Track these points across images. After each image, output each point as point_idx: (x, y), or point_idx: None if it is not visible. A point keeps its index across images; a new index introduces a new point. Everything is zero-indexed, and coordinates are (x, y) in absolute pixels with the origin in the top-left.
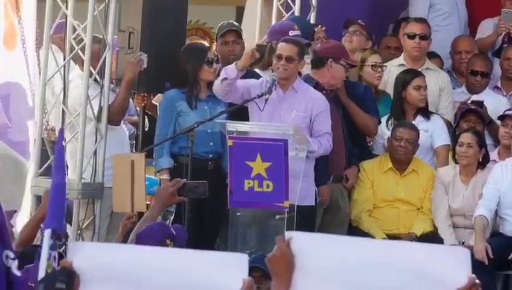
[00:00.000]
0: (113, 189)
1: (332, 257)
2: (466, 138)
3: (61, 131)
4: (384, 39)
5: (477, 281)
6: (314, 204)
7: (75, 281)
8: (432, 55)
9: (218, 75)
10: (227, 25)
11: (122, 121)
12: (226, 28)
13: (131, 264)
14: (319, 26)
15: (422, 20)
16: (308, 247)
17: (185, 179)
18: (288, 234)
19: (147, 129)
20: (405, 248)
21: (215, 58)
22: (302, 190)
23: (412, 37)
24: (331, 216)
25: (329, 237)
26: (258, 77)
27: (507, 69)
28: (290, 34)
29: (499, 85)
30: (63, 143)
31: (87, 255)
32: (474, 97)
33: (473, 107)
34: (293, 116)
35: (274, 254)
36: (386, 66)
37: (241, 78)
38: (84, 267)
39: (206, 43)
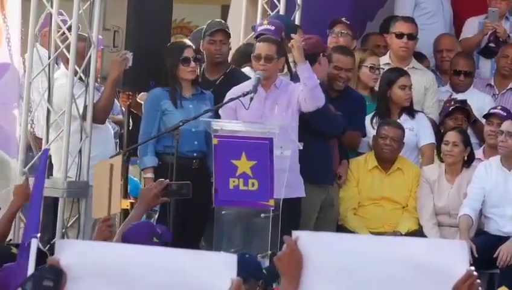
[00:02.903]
0: (94, 197)
1: (337, 254)
2: (451, 136)
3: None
4: (373, 38)
5: (475, 273)
6: (305, 195)
7: (63, 279)
8: (420, 57)
9: (201, 73)
10: (216, 24)
11: (107, 120)
12: (215, 27)
13: (120, 263)
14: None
15: (410, 20)
16: (315, 246)
17: (168, 180)
18: (295, 233)
19: (130, 128)
20: (406, 243)
21: (194, 57)
22: (291, 182)
23: (399, 36)
24: (323, 213)
25: (334, 235)
26: (243, 76)
27: (503, 66)
28: (258, 29)
29: (492, 83)
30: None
31: (75, 253)
32: (457, 96)
33: (459, 105)
34: (276, 112)
35: (284, 253)
36: (384, 69)
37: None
38: (72, 265)
39: (187, 41)
